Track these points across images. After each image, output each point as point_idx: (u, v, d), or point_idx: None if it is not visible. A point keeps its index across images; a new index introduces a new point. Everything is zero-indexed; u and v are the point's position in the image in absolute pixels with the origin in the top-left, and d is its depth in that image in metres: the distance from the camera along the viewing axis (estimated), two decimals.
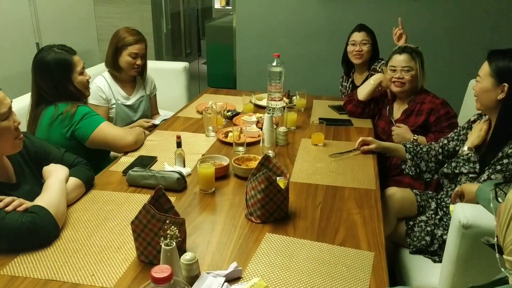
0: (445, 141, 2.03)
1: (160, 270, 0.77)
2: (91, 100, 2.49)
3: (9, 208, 1.34)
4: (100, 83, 2.55)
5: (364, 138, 2.09)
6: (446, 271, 1.52)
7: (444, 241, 1.75)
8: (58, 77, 2.00)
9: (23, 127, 2.00)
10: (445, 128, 2.22)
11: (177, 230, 1.16)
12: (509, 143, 1.65)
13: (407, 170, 2.06)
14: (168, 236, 1.14)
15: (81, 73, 2.07)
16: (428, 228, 1.84)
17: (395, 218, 1.93)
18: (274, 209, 1.51)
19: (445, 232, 1.78)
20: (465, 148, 1.82)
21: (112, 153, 2.30)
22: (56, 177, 1.55)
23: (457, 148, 1.96)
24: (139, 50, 2.54)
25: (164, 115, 2.70)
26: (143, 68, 2.65)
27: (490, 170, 1.66)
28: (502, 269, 0.90)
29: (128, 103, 2.61)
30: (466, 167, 1.74)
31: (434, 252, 1.80)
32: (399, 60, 2.28)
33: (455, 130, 2.03)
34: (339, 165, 1.97)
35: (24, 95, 2.38)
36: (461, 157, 1.78)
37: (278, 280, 1.23)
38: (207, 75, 5.67)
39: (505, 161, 1.63)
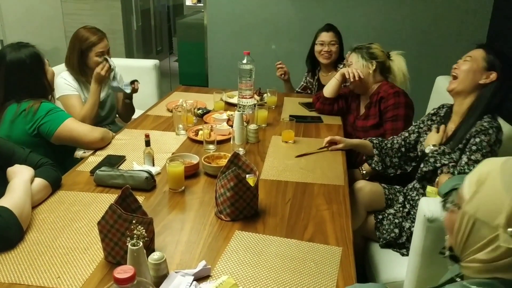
0: (406, 134, 2.08)
1: (123, 271, 0.76)
2: (61, 92, 2.44)
3: None
4: (68, 79, 2.49)
5: (332, 137, 2.11)
6: (413, 264, 1.55)
7: (412, 234, 1.79)
8: (35, 71, 1.99)
9: None
10: (388, 118, 2.27)
11: (144, 230, 1.15)
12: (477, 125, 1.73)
13: (373, 165, 2.11)
14: (135, 236, 1.13)
15: (49, 65, 2.08)
16: (396, 221, 1.88)
17: (364, 211, 1.96)
18: (243, 207, 1.51)
19: (413, 224, 1.81)
20: (431, 147, 1.83)
21: (76, 154, 2.26)
22: (21, 178, 1.51)
23: (421, 139, 2.00)
24: (105, 47, 2.50)
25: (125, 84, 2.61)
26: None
27: (468, 154, 1.71)
28: (453, 276, 0.93)
29: None
30: (445, 159, 1.77)
31: (403, 244, 1.84)
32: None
33: (415, 123, 2.08)
34: (308, 162, 1.99)
35: None
36: (434, 152, 1.81)
37: (247, 277, 1.24)
38: (178, 73, 5.62)
39: (477, 139, 1.69)
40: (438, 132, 1.89)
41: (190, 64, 5.38)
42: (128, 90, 2.58)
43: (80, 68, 2.49)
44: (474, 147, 1.70)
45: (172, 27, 6.94)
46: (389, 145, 2.10)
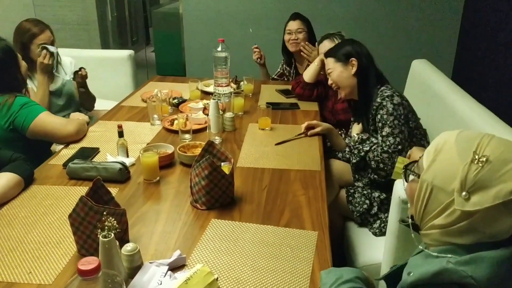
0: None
1: (87, 262, 0.74)
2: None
3: None
4: None
5: (309, 122, 2.11)
6: (389, 246, 1.57)
7: (381, 202, 1.87)
8: (10, 65, 1.96)
9: None
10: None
11: (115, 221, 1.12)
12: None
13: (341, 154, 2.15)
14: (106, 227, 1.11)
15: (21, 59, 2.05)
16: (365, 192, 1.90)
17: (337, 185, 2.04)
18: (219, 195, 1.50)
19: (382, 193, 1.87)
20: (353, 138, 1.98)
21: (53, 147, 2.21)
22: None
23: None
24: (46, 39, 2.43)
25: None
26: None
27: (380, 132, 1.83)
28: (419, 246, 0.95)
29: (50, 89, 2.49)
30: (366, 145, 1.87)
31: (376, 215, 1.86)
32: (321, 47, 2.48)
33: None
34: (285, 149, 1.98)
35: None
36: (356, 143, 1.92)
37: (223, 265, 1.23)
38: (155, 64, 5.54)
39: (378, 116, 1.83)
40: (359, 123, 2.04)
41: (167, 54, 5.31)
42: (68, 77, 2.52)
43: (28, 59, 2.39)
44: (379, 124, 1.84)
45: (148, 17, 6.83)
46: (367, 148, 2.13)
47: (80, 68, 2.52)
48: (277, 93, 2.74)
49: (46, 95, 2.40)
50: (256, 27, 3.91)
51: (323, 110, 2.55)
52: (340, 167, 2.08)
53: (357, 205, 1.89)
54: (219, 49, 2.40)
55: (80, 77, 2.52)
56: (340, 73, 1.98)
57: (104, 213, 1.16)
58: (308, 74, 2.55)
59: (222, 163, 1.56)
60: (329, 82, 2.06)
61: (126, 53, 3.35)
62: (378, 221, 1.85)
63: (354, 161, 1.91)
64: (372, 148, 1.84)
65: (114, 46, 5.40)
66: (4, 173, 1.56)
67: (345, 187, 2.00)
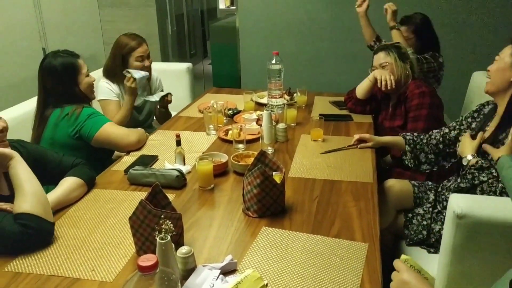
0: (446, 130, 2.00)
1: (146, 259, 0.80)
2: (102, 96, 2.55)
3: (1, 207, 1.37)
4: (107, 85, 2.60)
5: (361, 135, 2.10)
6: (443, 262, 1.53)
7: (441, 236, 1.75)
8: (66, 80, 2.07)
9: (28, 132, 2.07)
10: (409, 119, 2.23)
11: (171, 225, 1.19)
12: None
13: (406, 162, 2.07)
14: (163, 230, 1.17)
15: (87, 75, 2.15)
16: (425, 222, 1.84)
17: (393, 210, 1.94)
18: (270, 204, 1.53)
19: (443, 227, 1.78)
20: (469, 158, 1.72)
21: (115, 154, 2.35)
22: (16, 162, 1.46)
23: (460, 138, 1.93)
24: (144, 52, 2.59)
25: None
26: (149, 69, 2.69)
27: None
28: None
29: (134, 104, 2.65)
30: (483, 175, 1.63)
31: (431, 244, 1.81)
32: (375, 59, 2.39)
33: (457, 119, 2.01)
34: (337, 160, 1.99)
35: (31, 99, 2.44)
36: (472, 168, 1.68)
37: (273, 271, 1.26)
38: (212, 75, 5.71)
39: None
40: (474, 138, 1.76)
41: (223, 67, 5.46)
42: (153, 99, 2.65)
43: (122, 74, 2.57)
44: None
45: (206, 30, 7.06)
46: (424, 141, 2.04)
47: (167, 94, 2.68)
48: (330, 105, 2.75)
49: (127, 116, 2.51)
50: (309, 39, 3.93)
51: (375, 123, 2.50)
52: (399, 188, 1.95)
53: (412, 232, 1.83)
54: (274, 61, 2.45)
55: (166, 101, 2.68)
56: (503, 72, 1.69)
57: (162, 216, 1.22)
58: (360, 91, 2.52)
59: (274, 173, 1.59)
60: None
61: (185, 65, 3.49)
62: (432, 248, 1.80)
63: (462, 185, 1.70)
64: (490, 181, 1.60)
65: (173, 59, 5.62)
66: (67, 178, 1.68)
67: (403, 211, 1.92)
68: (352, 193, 1.69)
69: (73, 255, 1.35)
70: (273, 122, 2.18)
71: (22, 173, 1.44)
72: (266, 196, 1.51)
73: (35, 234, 1.35)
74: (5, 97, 3.12)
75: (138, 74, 2.53)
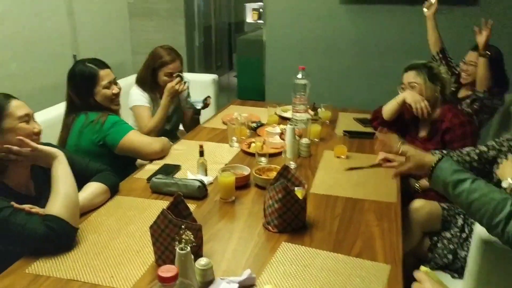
0: (484, 148, 1.89)
1: (167, 270, 0.79)
2: (134, 102, 2.58)
3: (31, 210, 1.38)
4: (139, 92, 2.63)
5: (386, 155, 2.05)
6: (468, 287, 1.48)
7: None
8: (82, 89, 2.11)
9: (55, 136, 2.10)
10: (456, 149, 2.16)
11: (192, 235, 1.19)
12: None
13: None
14: (183, 240, 1.17)
15: (106, 87, 2.13)
16: (451, 246, 1.79)
17: (420, 232, 1.89)
18: (291, 219, 1.52)
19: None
20: (510, 181, 1.57)
21: (138, 161, 2.37)
22: (58, 162, 1.50)
23: (499, 160, 1.85)
24: (175, 69, 2.61)
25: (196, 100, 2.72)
26: None
27: None
28: None
29: None
30: None
31: (456, 270, 1.75)
32: (405, 77, 2.30)
33: (497, 139, 1.93)
34: (360, 178, 1.96)
35: (60, 104, 2.49)
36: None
37: None
38: (237, 88, 5.74)
39: None
40: None
41: (248, 79, 5.50)
42: (198, 106, 2.68)
43: (151, 84, 2.62)
44: None
45: (232, 43, 7.13)
46: (455, 158, 1.93)
47: (207, 97, 2.69)
48: (354, 122, 2.73)
49: (164, 118, 2.54)
50: (337, 54, 3.92)
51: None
52: (428, 210, 1.89)
53: (437, 256, 1.78)
54: (299, 76, 2.45)
55: (206, 105, 2.70)
56: None
57: (182, 226, 1.22)
58: (387, 112, 2.43)
59: (296, 188, 1.58)
60: None
61: (211, 77, 3.52)
62: (456, 274, 1.74)
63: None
64: None
65: (199, 70, 5.69)
66: (92, 183, 1.70)
67: (429, 233, 1.86)
68: (375, 213, 1.66)
69: (93, 261, 1.36)
70: (297, 136, 2.16)
71: (61, 174, 1.47)
72: (287, 211, 1.50)
73: (57, 238, 1.36)
74: (37, 100, 3.19)
75: (187, 80, 2.59)
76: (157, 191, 1.80)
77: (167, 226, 1.28)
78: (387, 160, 2.04)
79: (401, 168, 1.54)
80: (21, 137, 1.44)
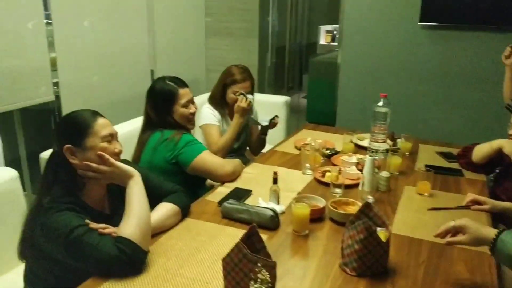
0: None
1: None
2: (204, 121, 2.58)
3: (105, 231, 1.36)
4: (209, 110, 2.64)
5: (475, 197, 1.86)
6: None
7: None
8: (160, 107, 2.12)
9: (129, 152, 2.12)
10: None
11: (268, 275, 1.10)
12: None
13: None
14: (259, 280, 1.09)
15: (185, 106, 2.14)
16: None
17: None
18: (372, 262, 1.39)
19: None
20: None
21: (208, 181, 2.34)
22: (134, 182, 1.48)
23: None
24: (243, 88, 2.59)
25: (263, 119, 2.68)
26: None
27: None
28: None
29: None
30: None
31: None
32: None
33: None
34: (446, 220, 1.74)
35: (135, 118, 2.54)
36: None
37: None
38: (306, 110, 5.65)
39: None
40: None
41: (319, 102, 5.40)
42: (265, 123, 2.63)
43: (221, 101, 2.64)
44: None
45: (303, 64, 7.08)
46: None
47: (274, 117, 2.66)
48: (437, 156, 2.53)
49: (234, 138, 2.53)
50: (418, 81, 3.72)
51: (496, 185, 2.21)
52: None
53: None
54: (380, 103, 2.32)
55: (273, 124, 2.66)
56: None
57: (259, 264, 1.14)
58: (479, 155, 2.23)
59: (379, 229, 1.45)
60: None
61: (283, 99, 3.47)
62: None
63: None
64: None
65: (269, 90, 5.68)
66: (164, 203, 1.67)
67: None
68: (466, 264, 1.49)
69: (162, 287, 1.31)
70: (375, 169, 2.03)
71: (136, 194, 1.46)
72: (368, 253, 1.37)
73: (128, 261, 1.33)
74: (113, 113, 3.30)
75: (250, 96, 2.55)
76: (228, 217, 1.74)
77: (241, 261, 1.21)
78: (476, 202, 1.86)
79: (454, 239, 1.38)
80: (101, 153, 1.44)
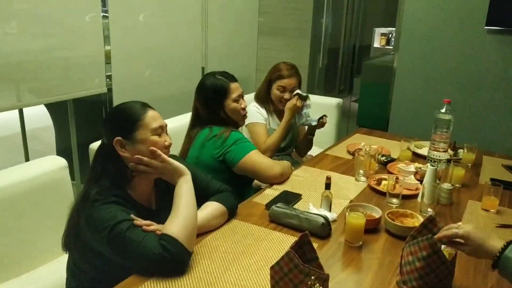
0: None
1: None
2: (251, 119, 2.51)
3: (149, 228, 1.32)
4: (257, 106, 2.59)
5: None
6: None
7: None
8: (212, 102, 2.06)
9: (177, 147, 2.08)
10: None
11: None
12: None
13: None
14: None
15: (236, 100, 2.09)
16: None
17: None
18: (434, 283, 1.25)
19: None
20: None
21: (255, 182, 2.26)
22: (184, 181, 1.44)
23: None
24: (288, 84, 2.51)
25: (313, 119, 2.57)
26: None
27: None
28: None
29: None
30: None
31: None
32: None
33: None
34: None
35: (184, 114, 2.50)
36: None
37: None
38: (357, 114, 5.47)
39: None
40: None
41: (371, 106, 5.20)
42: (314, 123, 2.53)
43: (266, 97, 2.57)
44: None
45: (354, 67, 6.89)
46: None
47: (323, 116, 2.57)
48: (503, 169, 2.33)
49: (282, 137, 2.45)
50: (480, 88, 3.49)
51: None
52: None
53: None
54: (443, 110, 2.16)
55: (321, 124, 2.57)
56: None
57: (312, 277, 1.04)
58: None
59: (443, 246, 1.31)
60: None
61: (335, 101, 3.34)
62: None
63: None
64: None
65: (319, 92, 5.55)
66: (211, 202, 1.61)
67: None
68: None
69: None
70: (437, 179, 1.88)
71: (185, 193, 1.41)
72: (431, 273, 1.24)
73: (172, 260, 1.27)
74: (162, 109, 3.30)
75: (308, 100, 2.50)
76: (276, 221, 1.65)
77: (291, 271, 1.12)
78: None
79: (458, 248, 1.26)
80: (154, 148, 1.39)
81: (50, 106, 3.57)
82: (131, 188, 1.43)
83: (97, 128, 3.09)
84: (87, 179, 1.43)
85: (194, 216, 1.39)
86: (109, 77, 2.94)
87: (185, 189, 1.41)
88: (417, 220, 1.63)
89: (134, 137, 1.39)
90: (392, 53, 5.35)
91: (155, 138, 1.42)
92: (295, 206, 1.77)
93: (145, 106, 1.47)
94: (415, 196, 1.91)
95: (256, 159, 1.98)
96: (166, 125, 1.49)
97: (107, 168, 1.41)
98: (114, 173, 1.40)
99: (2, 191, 1.66)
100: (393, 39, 6.56)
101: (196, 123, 2.11)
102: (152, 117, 1.43)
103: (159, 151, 1.40)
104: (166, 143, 1.45)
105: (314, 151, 2.78)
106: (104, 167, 1.42)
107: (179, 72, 3.54)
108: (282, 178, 2.03)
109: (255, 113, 2.54)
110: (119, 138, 1.39)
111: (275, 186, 1.97)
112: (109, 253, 1.31)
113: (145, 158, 1.39)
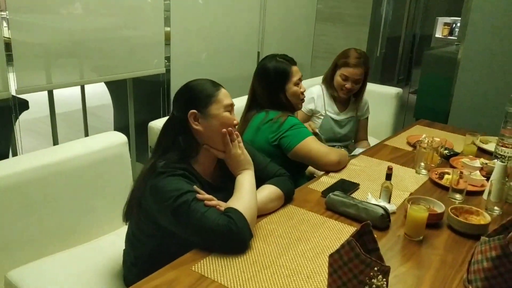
0: None
1: None
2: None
3: (210, 203, 1.33)
4: (315, 92, 2.56)
5: None
6: None
7: None
8: (273, 84, 2.03)
9: None
10: None
11: (385, 283, 0.96)
12: None
13: None
14: (374, 286, 0.95)
15: (296, 84, 2.05)
16: None
17: None
18: (500, 287, 1.18)
19: None
20: None
21: (309, 169, 2.22)
22: (249, 174, 1.49)
23: None
24: (352, 74, 2.44)
25: (358, 149, 2.52)
26: (358, 92, 2.54)
27: None
28: None
29: (337, 118, 2.57)
30: None
31: None
32: None
33: None
34: None
35: (238, 98, 2.49)
36: None
37: None
38: (414, 105, 5.26)
39: None
40: None
41: (430, 98, 4.98)
42: (357, 153, 2.46)
43: (330, 80, 2.54)
44: None
45: (414, 57, 6.63)
46: None
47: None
48: None
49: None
50: None
51: None
52: None
53: None
54: None
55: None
56: None
57: (375, 268, 1.00)
58: None
59: None
60: None
61: (394, 90, 3.22)
62: None
63: None
64: None
65: (375, 81, 5.38)
66: (268, 185, 1.59)
67: None
68: None
69: (260, 274, 1.23)
70: (505, 177, 1.76)
71: (247, 184, 1.45)
72: (498, 276, 1.16)
73: (236, 234, 1.28)
74: None
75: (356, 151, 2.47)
76: (332, 209, 1.61)
77: (351, 260, 1.08)
78: None
79: None
80: (236, 133, 1.49)
81: (110, 85, 3.68)
82: (196, 162, 1.46)
83: (154, 108, 3.17)
84: (154, 151, 1.47)
85: (256, 205, 1.41)
86: (167, 58, 2.97)
87: (248, 180, 1.46)
88: (483, 218, 1.54)
89: (208, 111, 1.43)
90: (456, 43, 5.09)
91: (227, 114, 1.46)
92: (352, 196, 1.72)
93: (217, 84, 1.50)
94: (480, 193, 1.80)
95: (312, 145, 1.94)
96: (233, 104, 1.50)
97: (176, 141, 1.44)
98: (183, 147, 1.43)
99: (66, 163, 1.72)
100: (457, 29, 6.24)
101: (252, 106, 2.10)
102: (225, 94, 1.47)
103: (240, 139, 1.48)
104: (235, 122, 1.48)
105: (371, 141, 2.71)
106: (174, 140, 1.44)
107: (235, 56, 3.53)
108: (338, 166, 1.98)
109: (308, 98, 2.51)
110: (194, 111, 1.42)
111: (331, 174, 1.93)
112: (172, 223, 1.33)
113: (227, 137, 1.45)
